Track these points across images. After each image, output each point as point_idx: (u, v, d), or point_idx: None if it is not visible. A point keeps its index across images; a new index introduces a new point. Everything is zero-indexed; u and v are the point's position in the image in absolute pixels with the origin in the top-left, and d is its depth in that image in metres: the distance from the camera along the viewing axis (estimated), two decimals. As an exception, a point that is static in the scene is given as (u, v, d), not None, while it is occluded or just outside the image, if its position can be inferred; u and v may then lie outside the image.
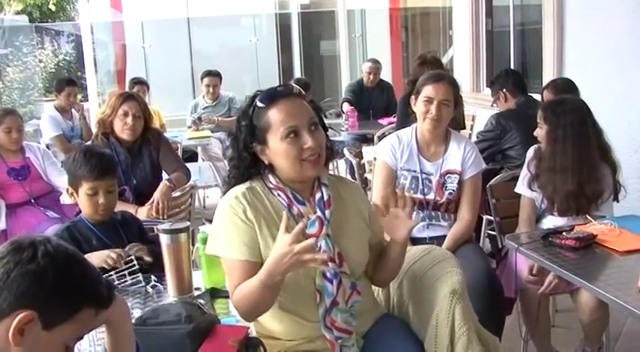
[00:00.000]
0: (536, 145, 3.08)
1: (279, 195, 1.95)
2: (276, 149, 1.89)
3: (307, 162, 1.89)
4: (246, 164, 1.96)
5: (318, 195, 1.96)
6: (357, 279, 1.98)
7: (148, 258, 2.39)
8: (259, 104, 1.91)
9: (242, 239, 1.89)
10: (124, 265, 2.33)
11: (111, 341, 1.45)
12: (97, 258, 2.29)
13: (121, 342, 1.46)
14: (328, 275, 1.90)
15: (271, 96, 1.91)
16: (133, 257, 2.36)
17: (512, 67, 6.50)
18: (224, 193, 2.01)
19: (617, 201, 3.03)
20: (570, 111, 2.91)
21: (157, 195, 3.50)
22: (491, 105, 4.75)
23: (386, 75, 8.75)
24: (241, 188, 1.96)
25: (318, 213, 1.93)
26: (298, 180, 1.95)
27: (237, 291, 1.87)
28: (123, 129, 3.60)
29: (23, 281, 1.17)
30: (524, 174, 3.03)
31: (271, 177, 1.96)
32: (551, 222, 2.97)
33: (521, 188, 3.03)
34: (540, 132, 2.96)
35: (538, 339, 2.93)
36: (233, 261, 1.90)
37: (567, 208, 2.89)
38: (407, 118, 3.55)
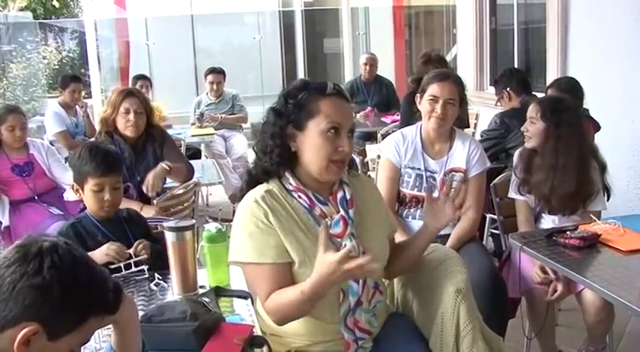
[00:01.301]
0: (520, 148, 3.08)
1: (299, 196, 1.92)
2: (313, 139, 1.87)
3: (334, 164, 1.87)
4: (278, 146, 1.91)
5: (339, 195, 1.95)
6: (377, 278, 1.98)
7: (145, 255, 2.39)
8: (313, 90, 1.90)
9: (268, 242, 1.86)
10: (131, 256, 2.35)
11: (118, 339, 1.45)
12: (100, 257, 2.30)
13: (128, 341, 1.46)
14: None
15: (325, 88, 1.90)
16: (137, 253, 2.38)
17: (516, 65, 6.50)
18: (246, 185, 1.99)
19: (608, 199, 3.02)
20: (570, 110, 2.91)
21: (150, 173, 3.53)
22: (495, 104, 4.75)
23: (389, 73, 8.73)
24: (259, 191, 1.92)
25: (342, 212, 1.93)
26: (319, 180, 1.92)
27: (272, 300, 1.85)
28: (126, 126, 3.60)
29: (29, 294, 1.16)
30: (513, 179, 3.04)
31: (290, 179, 1.93)
32: (549, 222, 2.97)
33: (513, 193, 3.05)
34: (533, 128, 2.93)
35: (543, 339, 2.93)
36: (262, 266, 1.87)
37: (564, 208, 2.90)
38: (411, 116, 3.55)
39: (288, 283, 1.86)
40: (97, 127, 4.02)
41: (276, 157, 1.92)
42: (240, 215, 1.92)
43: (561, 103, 2.97)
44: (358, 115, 6.42)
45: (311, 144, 1.88)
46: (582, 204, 2.88)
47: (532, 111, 2.97)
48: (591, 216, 2.79)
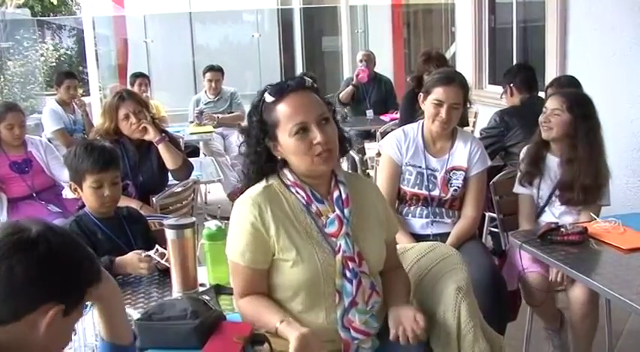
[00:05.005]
0: (528, 145, 3.08)
1: (297, 192, 1.92)
2: (287, 145, 1.86)
3: (318, 157, 1.85)
4: (263, 159, 1.93)
5: (336, 194, 1.93)
6: (374, 278, 1.96)
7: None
8: (268, 98, 1.88)
9: (249, 245, 1.87)
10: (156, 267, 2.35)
11: (105, 318, 1.44)
12: (131, 268, 2.31)
13: (115, 318, 1.45)
14: (348, 274, 1.87)
15: (280, 91, 1.87)
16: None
17: (514, 64, 6.49)
18: (243, 188, 1.99)
19: None
20: (590, 104, 2.95)
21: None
22: (500, 97, 4.74)
23: (387, 71, 8.73)
24: (257, 188, 1.92)
25: (337, 211, 1.91)
26: (312, 176, 1.92)
27: (247, 303, 1.89)
28: (132, 130, 3.58)
29: (38, 277, 1.18)
30: (519, 174, 3.05)
31: (288, 174, 1.93)
32: (551, 216, 2.97)
33: (518, 188, 3.05)
34: (557, 119, 2.91)
35: (543, 308, 2.92)
36: (237, 264, 1.90)
37: (583, 199, 2.90)
38: (411, 115, 3.54)
39: (261, 287, 1.91)
40: (95, 126, 4.00)
41: (266, 169, 1.95)
42: (234, 211, 1.93)
43: (584, 97, 3.01)
44: (357, 75, 6.48)
45: (288, 149, 1.87)
46: (595, 196, 2.91)
47: (555, 103, 2.95)
48: (591, 214, 2.79)
